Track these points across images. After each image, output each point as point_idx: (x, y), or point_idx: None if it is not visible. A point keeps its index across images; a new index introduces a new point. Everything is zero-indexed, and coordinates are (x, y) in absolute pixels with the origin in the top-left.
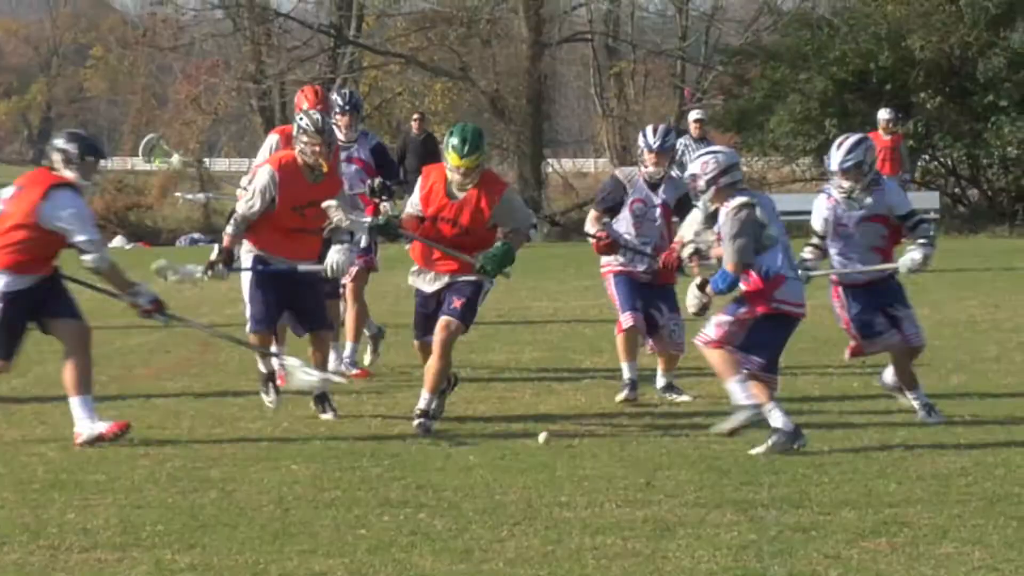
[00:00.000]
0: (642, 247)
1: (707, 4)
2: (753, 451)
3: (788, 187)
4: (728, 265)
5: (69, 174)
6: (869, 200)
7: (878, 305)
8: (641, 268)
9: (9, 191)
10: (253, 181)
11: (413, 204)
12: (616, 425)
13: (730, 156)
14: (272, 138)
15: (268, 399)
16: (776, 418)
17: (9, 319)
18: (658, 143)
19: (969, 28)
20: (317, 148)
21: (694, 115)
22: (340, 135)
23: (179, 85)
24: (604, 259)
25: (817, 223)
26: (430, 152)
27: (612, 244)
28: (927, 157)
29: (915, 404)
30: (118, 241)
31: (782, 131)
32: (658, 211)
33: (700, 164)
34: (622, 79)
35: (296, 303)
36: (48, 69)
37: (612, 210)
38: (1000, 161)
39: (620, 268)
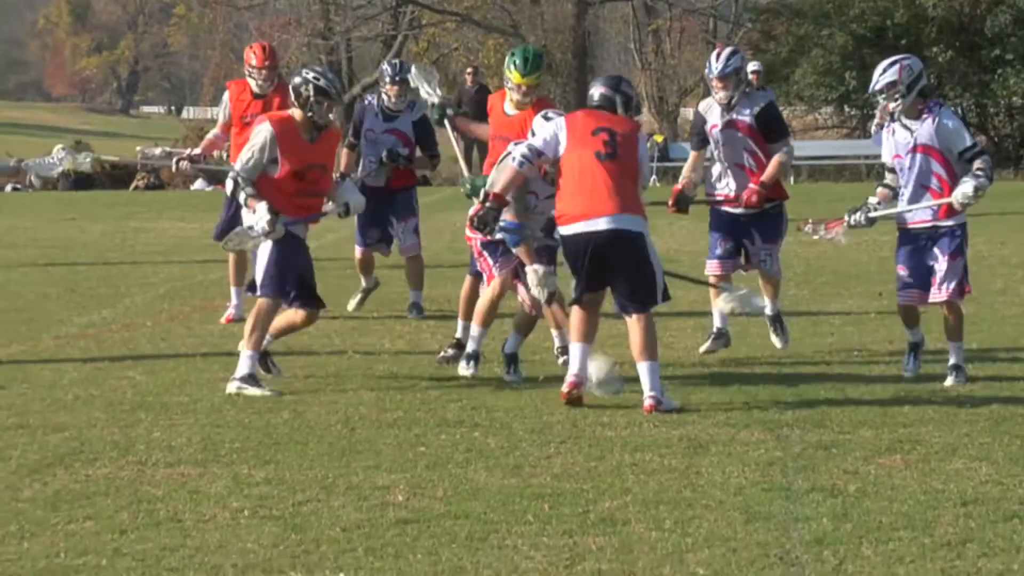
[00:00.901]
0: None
1: None
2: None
3: (812, 134)
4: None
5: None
6: (916, 126)
7: (919, 257)
8: (733, 196)
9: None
10: (252, 139)
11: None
12: None
13: None
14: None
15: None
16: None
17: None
18: (720, 68)
19: None
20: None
21: (752, 66)
22: (390, 103)
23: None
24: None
25: (885, 154)
26: (483, 102)
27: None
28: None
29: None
30: (199, 184)
31: (806, 83)
32: (736, 132)
33: None
34: (659, 35)
35: None
36: (135, 26)
37: (704, 142)
38: (1006, 110)
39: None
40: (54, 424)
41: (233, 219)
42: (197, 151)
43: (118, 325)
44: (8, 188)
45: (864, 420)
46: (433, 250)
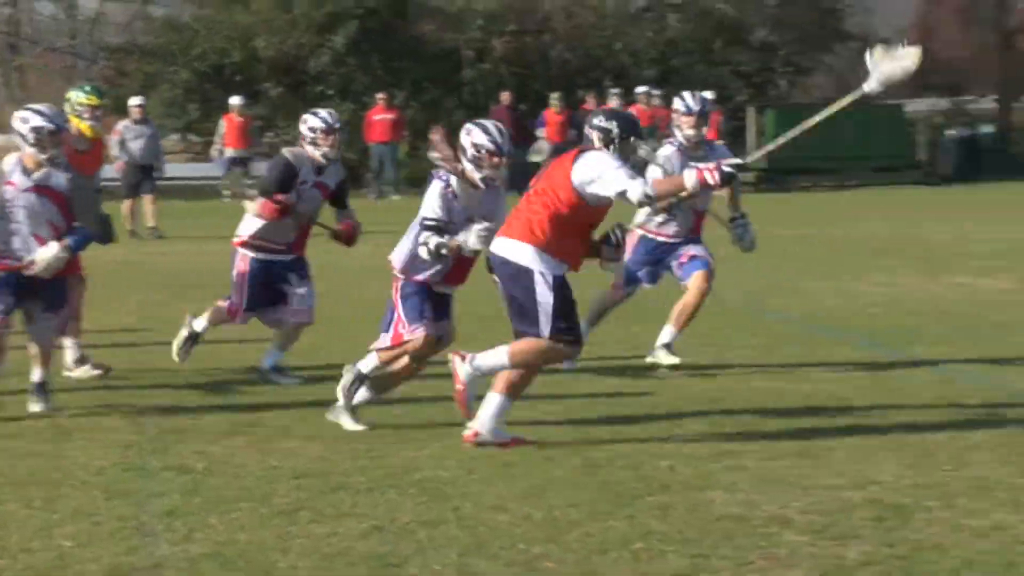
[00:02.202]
0: None
1: (91, 9)
2: None
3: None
4: None
5: None
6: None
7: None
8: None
9: None
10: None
11: None
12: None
13: None
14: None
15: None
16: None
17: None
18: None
19: (303, 32)
20: None
21: (134, 101)
22: None
23: None
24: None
25: None
26: None
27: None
28: (272, 134)
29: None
30: None
31: (155, 113)
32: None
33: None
34: (23, 71)
35: None
36: None
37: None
38: None
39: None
40: None
41: None
42: None
43: None
44: None
45: (211, 406)
46: None
